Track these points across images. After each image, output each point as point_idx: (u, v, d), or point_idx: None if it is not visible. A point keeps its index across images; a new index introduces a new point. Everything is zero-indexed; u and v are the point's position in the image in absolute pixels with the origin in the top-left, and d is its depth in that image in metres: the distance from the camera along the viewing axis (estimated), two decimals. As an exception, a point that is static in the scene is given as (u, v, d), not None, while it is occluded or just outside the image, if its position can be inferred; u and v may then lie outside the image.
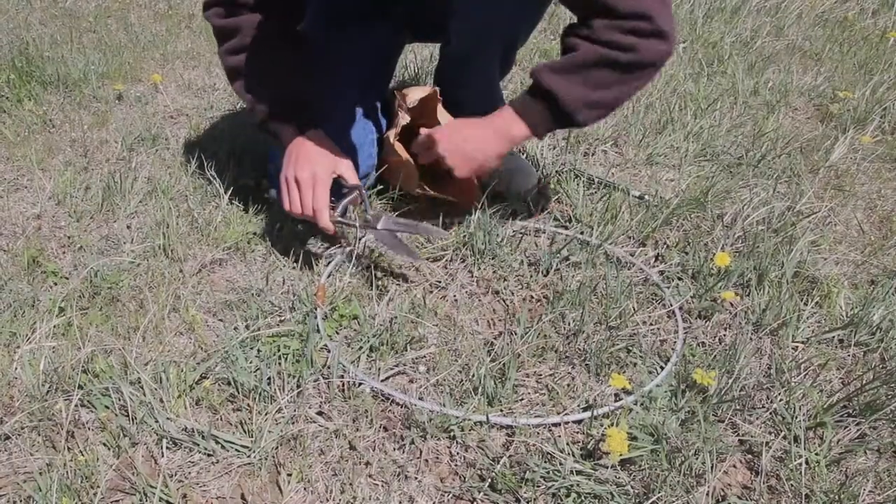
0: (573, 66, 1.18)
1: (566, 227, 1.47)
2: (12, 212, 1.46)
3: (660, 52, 1.16)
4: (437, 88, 1.43)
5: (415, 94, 1.42)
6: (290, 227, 1.41)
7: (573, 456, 0.96)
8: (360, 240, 1.33)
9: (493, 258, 1.36)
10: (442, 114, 1.42)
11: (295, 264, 1.30)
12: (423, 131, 1.36)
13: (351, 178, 1.29)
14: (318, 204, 1.24)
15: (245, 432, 0.98)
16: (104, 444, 0.97)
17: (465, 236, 1.39)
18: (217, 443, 0.96)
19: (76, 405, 1.00)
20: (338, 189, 1.29)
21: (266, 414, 0.99)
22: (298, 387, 1.05)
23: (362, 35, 1.50)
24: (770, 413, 1.05)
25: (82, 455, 0.93)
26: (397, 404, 1.05)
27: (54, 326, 1.13)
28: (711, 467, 0.94)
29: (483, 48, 1.44)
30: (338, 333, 1.17)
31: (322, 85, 1.42)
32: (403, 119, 1.41)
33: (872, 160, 1.86)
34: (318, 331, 1.14)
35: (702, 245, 1.42)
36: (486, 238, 1.36)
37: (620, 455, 0.90)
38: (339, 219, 1.28)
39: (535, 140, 1.77)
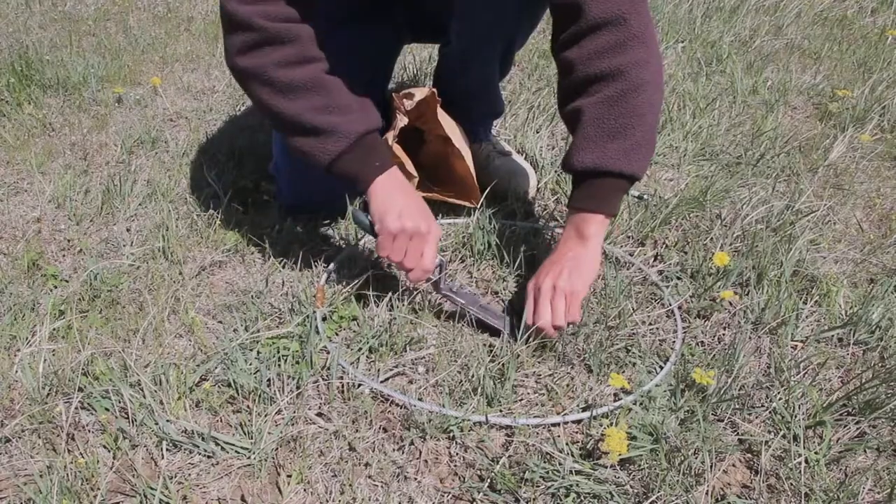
0: (593, 132, 1.14)
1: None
2: (12, 215, 1.46)
3: (641, 59, 1.12)
4: (435, 90, 1.43)
5: (412, 97, 1.42)
6: (289, 230, 1.41)
7: (572, 456, 0.96)
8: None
9: (492, 259, 1.36)
10: (441, 116, 1.42)
11: (294, 266, 1.30)
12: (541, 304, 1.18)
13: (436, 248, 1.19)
14: (427, 265, 1.15)
15: (245, 434, 0.99)
16: (104, 447, 0.97)
17: (463, 237, 1.39)
18: (217, 444, 0.96)
19: (76, 408, 1.00)
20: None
21: (266, 415, 0.99)
22: (298, 388, 1.05)
23: (362, 35, 1.50)
24: (769, 412, 1.05)
25: (82, 457, 0.93)
26: (397, 405, 1.05)
27: (54, 329, 1.13)
28: (711, 466, 0.94)
29: (482, 48, 1.44)
30: (337, 335, 1.17)
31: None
32: (402, 121, 1.41)
33: (871, 158, 1.86)
34: (318, 332, 1.14)
35: (701, 244, 1.42)
36: (486, 239, 1.37)
37: (620, 455, 0.90)
38: (446, 292, 1.21)
39: (534, 140, 1.77)
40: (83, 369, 1.06)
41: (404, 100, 1.41)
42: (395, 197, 1.17)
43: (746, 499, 0.93)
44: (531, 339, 1.14)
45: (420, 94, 1.42)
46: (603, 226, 1.18)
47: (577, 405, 1.05)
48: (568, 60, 1.15)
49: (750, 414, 1.05)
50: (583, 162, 1.15)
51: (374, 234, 1.18)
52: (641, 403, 1.05)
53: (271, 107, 1.14)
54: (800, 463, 0.96)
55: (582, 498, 0.91)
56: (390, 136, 1.42)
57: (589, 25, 1.10)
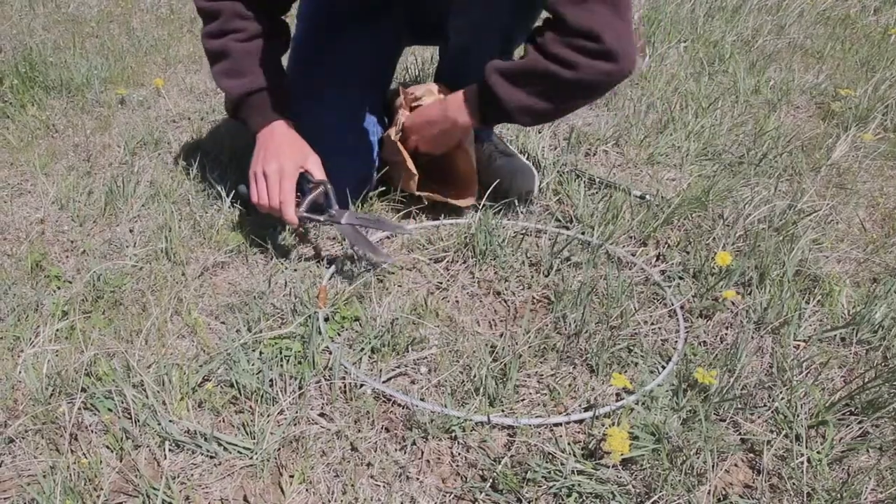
0: (519, 72, 1.25)
1: (567, 228, 1.47)
2: (16, 216, 1.46)
3: (603, 72, 1.19)
4: (439, 85, 1.43)
5: (417, 93, 1.42)
6: (291, 230, 1.41)
7: (574, 456, 0.96)
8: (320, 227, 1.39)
9: (494, 259, 1.36)
10: None
11: (296, 267, 1.31)
12: (405, 118, 1.45)
13: (317, 173, 1.32)
14: (284, 197, 1.27)
15: (247, 434, 0.99)
16: (107, 447, 0.97)
17: (466, 237, 1.39)
18: (219, 445, 0.96)
19: (79, 408, 1.00)
20: (305, 184, 1.32)
21: (268, 416, 1.00)
22: (300, 388, 1.05)
23: (363, 36, 1.50)
24: (772, 412, 1.05)
25: (85, 458, 0.93)
26: (399, 405, 1.05)
27: (57, 330, 1.13)
28: (713, 466, 0.94)
29: (481, 43, 1.44)
30: (339, 335, 1.17)
31: (302, 84, 1.45)
32: (404, 117, 1.41)
33: (874, 158, 1.86)
34: (320, 332, 1.14)
35: (703, 244, 1.42)
36: (488, 239, 1.37)
37: (622, 455, 0.90)
38: (304, 214, 1.30)
39: (536, 140, 1.78)
40: (86, 370, 1.06)
41: (408, 97, 1.41)
42: (263, 146, 1.33)
43: (749, 499, 0.93)
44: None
45: (424, 89, 1.42)
46: (465, 122, 1.35)
47: (580, 405, 1.05)
48: (536, 43, 1.23)
49: (752, 413, 1.05)
50: (494, 83, 1.27)
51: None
52: (643, 403, 1.05)
53: (210, 68, 1.39)
54: (802, 463, 0.96)
55: (584, 498, 0.91)
56: (393, 132, 1.42)
57: (566, 32, 1.18)
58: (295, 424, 1.00)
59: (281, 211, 1.28)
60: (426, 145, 1.45)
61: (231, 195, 1.47)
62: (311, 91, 1.44)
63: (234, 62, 1.34)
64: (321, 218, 1.31)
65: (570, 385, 1.09)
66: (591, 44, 1.16)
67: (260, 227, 1.42)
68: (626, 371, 1.12)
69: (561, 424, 1.02)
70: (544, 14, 1.28)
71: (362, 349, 1.13)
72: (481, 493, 0.92)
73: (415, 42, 1.74)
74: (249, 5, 1.31)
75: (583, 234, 1.43)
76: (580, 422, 1.03)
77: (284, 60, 1.45)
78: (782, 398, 1.06)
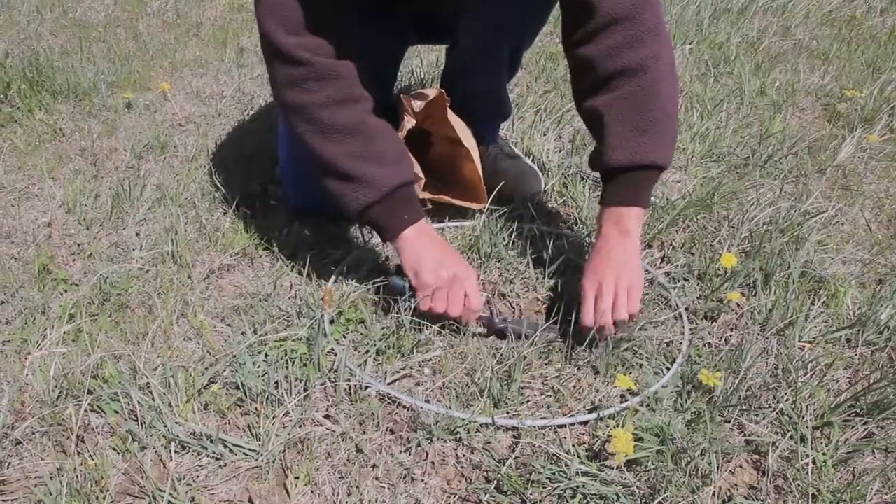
0: (619, 128, 1.14)
1: (572, 230, 1.47)
2: (23, 220, 1.47)
3: (657, 52, 1.13)
4: (444, 91, 1.44)
5: (422, 98, 1.42)
6: (296, 233, 1.42)
7: (579, 457, 0.96)
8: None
9: (499, 261, 1.36)
10: (450, 116, 1.42)
11: (302, 269, 1.31)
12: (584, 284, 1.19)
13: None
14: (474, 304, 1.15)
15: (253, 436, 0.99)
16: (114, 449, 0.98)
17: (470, 239, 1.39)
18: (225, 446, 0.97)
19: (86, 410, 1.01)
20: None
21: (273, 418, 1.00)
22: (305, 390, 1.05)
23: (368, 38, 1.50)
24: (776, 413, 1.05)
25: (92, 459, 0.94)
26: (404, 407, 1.05)
27: (64, 333, 1.14)
28: (717, 468, 0.94)
29: (492, 46, 1.44)
30: (344, 337, 1.18)
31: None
32: (409, 122, 1.42)
33: (880, 159, 1.85)
34: (325, 335, 1.14)
35: (708, 246, 1.42)
36: (492, 241, 1.37)
37: (626, 456, 0.90)
38: (487, 319, 1.19)
39: (541, 143, 1.78)
40: (93, 372, 1.07)
41: (413, 101, 1.41)
42: (427, 249, 1.17)
43: (753, 500, 0.93)
44: (597, 343, 1.14)
45: (429, 95, 1.42)
46: (640, 219, 1.19)
47: (584, 407, 1.05)
48: (585, 57, 1.15)
49: (757, 415, 1.05)
50: (618, 160, 1.15)
51: (412, 294, 1.18)
52: (648, 405, 1.05)
53: (311, 145, 1.15)
54: (807, 464, 0.96)
55: (588, 499, 0.91)
56: (399, 136, 1.42)
57: (604, 22, 1.11)
58: (300, 426, 1.01)
59: (470, 319, 1.17)
60: (633, 281, 1.15)
61: (237, 199, 1.48)
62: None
63: (372, 143, 1.14)
64: (519, 328, 1.17)
65: (574, 387, 1.10)
66: (630, 28, 1.10)
67: (265, 229, 1.43)
68: (630, 373, 1.12)
69: (565, 426, 1.02)
70: (548, 28, 1.25)
71: (367, 351, 1.13)
72: (486, 494, 0.92)
73: (421, 42, 1.74)
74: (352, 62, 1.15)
75: (588, 236, 1.43)
76: (585, 423, 1.03)
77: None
78: (787, 400, 1.06)
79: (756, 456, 1.00)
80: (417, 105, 1.41)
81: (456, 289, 1.14)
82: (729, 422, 1.04)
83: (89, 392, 1.03)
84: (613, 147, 1.15)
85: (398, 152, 1.20)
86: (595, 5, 1.10)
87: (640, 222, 1.19)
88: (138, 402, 1.00)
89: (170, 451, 0.96)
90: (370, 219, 1.18)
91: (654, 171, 1.17)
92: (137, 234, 1.43)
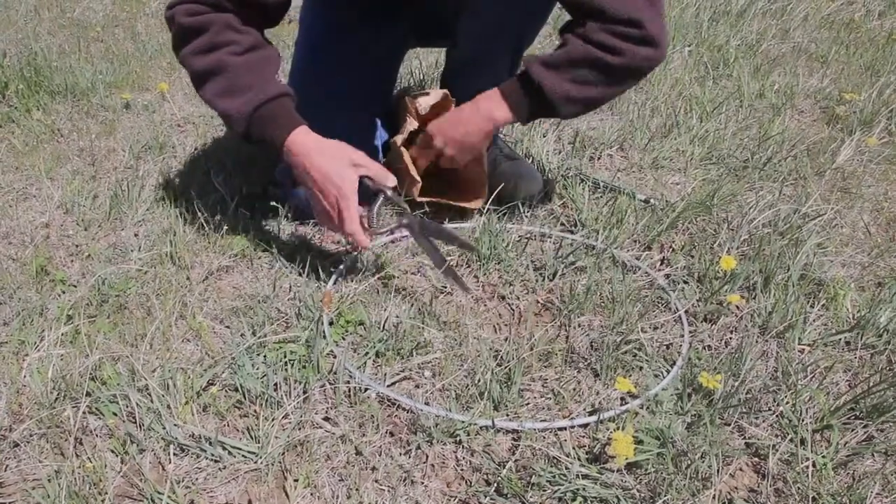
0: (563, 62, 1.23)
1: (572, 232, 1.47)
2: (21, 221, 1.47)
3: (647, 57, 1.22)
4: (447, 92, 1.43)
5: (427, 100, 1.42)
6: (296, 234, 1.42)
7: (579, 460, 0.96)
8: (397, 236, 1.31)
9: (498, 263, 1.36)
10: None
11: (301, 271, 1.31)
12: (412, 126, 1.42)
13: (371, 167, 1.23)
14: (351, 227, 1.20)
15: (252, 438, 0.99)
16: (112, 451, 0.97)
17: (470, 241, 1.39)
18: (224, 449, 0.96)
19: (84, 412, 1.00)
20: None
21: (273, 420, 1.00)
22: (305, 392, 1.05)
23: (367, 41, 1.50)
24: (776, 416, 1.04)
25: (90, 462, 0.94)
26: (403, 409, 1.05)
27: (62, 334, 1.14)
28: (718, 470, 0.94)
29: (492, 49, 1.44)
30: (344, 339, 1.17)
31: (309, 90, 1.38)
32: (412, 124, 1.41)
33: (879, 162, 1.86)
34: (325, 337, 1.14)
35: (707, 248, 1.42)
36: (492, 243, 1.37)
37: (626, 459, 0.89)
38: (378, 233, 1.25)
39: (541, 145, 1.78)
40: (91, 374, 1.06)
41: (418, 103, 1.41)
42: (299, 162, 1.23)
43: (753, 503, 0.93)
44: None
45: (434, 98, 1.42)
46: (502, 116, 1.31)
47: (584, 409, 1.05)
48: (576, 33, 1.23)
49: (757, 418, 1.05)
50: (538, 74, 1.24)
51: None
52: (648, 407, 1.05)
53: (198, 92, 1.27)
54: (807, 467, 0.95)
55: (589, 502, 0.91)
56: (399, 139, 1.42)
57: (608, 20, 1.18)
58: (299, 429, 1.00)
59: (355, 242, 1.21)
60: (454, 149, 1.37)
61: (236, 200, 1.47)
62: (314, 94, 1.43)
63: (235, 77, 1.22)
64: (396, 234, 1.22)
65: (574, 389, 1.09)
66: (633, 30, 1.18)
67: (264, 231, 1.42)
68: (630, 375, 1.12)
69: (565, 429, 1.02)
70: (555, 16, 1.28)
71: (367, 353, 1.13)
72: (486, 497, 0.92)
73: (421, 44, 1.74)
74: (241, 17, 1.23)
75: (587, 238, 1.43)
76: (585, 426, 1.03)
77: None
78: (787, 402, 1.06)
79: (756, 459, 1.00)
80: (423, 107, 1.41)
81: (333, 208, 1.21)
82: (729, 424, 1.03)
83: (87, 394, 1.03)
84: (541, 58, 1.25)
85: (259, 76, 1.24)
86: (600, 7, 1.17)
87: (494, 108, 1.31)
88: (137, 404, 1.00)
89: (168, 454, 0.96)
90: (257, 143, 1.26)
91: (537, 96, 1.26)
92: (136, 235, 1.43)
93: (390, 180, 1.24)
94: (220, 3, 1.21)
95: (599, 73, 1.23)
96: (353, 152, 1.23)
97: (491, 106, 1.31)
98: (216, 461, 0.96)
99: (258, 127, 1.23)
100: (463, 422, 1.00)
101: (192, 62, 1.23)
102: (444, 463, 0.98)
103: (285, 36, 2.48)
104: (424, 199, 1.45)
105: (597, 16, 1.18)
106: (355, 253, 1.33)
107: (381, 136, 1.54)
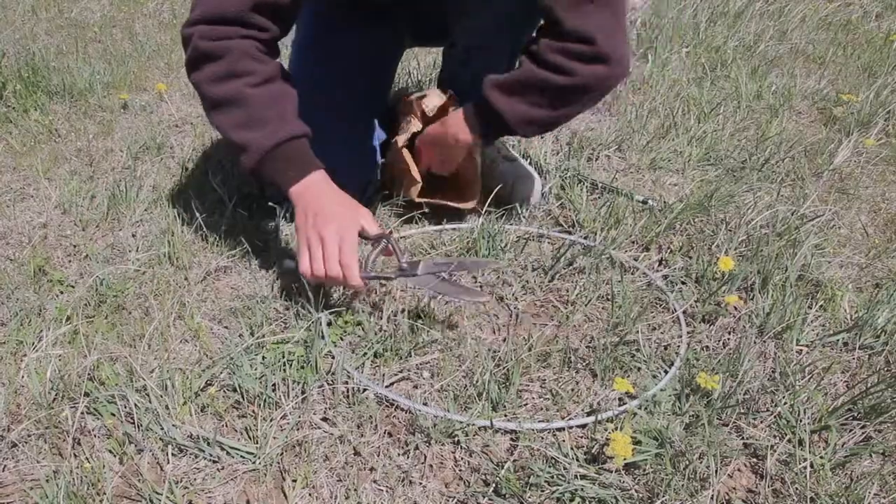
0: (516, 83, 1.26)
1: (570, 233, 1.47)
2: (19, 221, 1.47)
3: (599, 76, 1.22)
4: (452, 92, 1.43)
5: (432, 102, 1.42)
6: (294, 235, 1.41)
7: (577, 460, 0.96)
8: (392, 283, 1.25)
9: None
10: None
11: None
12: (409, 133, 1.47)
13: (373, 228, 1.19)
14: (346, 261, 1.13)
15: (250, 438, 0.99)
16: (110, 451, 0.97)
17: (468, 242, 1.39)
18: (222, 449, 0.96)
19: (82, 412, 1.00)
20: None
21: (271, 420, 1.00)
22: (303, 393, 1.05)
23: (363, 42, 1.50)
24: (774, 416, 1.05)
25: (88, 462, 0.93)
26: (402, 410, 1.05)
27: (60, 334, 1.13)
28: (716, 471, 0.94)
29: (490, 49, 1.44)
30: (342, 340, 1.17)
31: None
32: (415, 126, 1.41)
33: (876, 163, 1.86)
34: (323, 337, 1.14)
35: (705, 249, 1.42)
36: (490, 244, 1.37)
37: (625, 459, 0.89)
38: (372, 275, 1.17)
39: (539, 146, 1.78)
40: (89, 374, 1.06)
41: (423, 105, 1.41)
42: (304, 204, 1.19)
43: (752, 503, 0.93)
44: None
45: (438, 99, 1.42)
46: (466, 140, 1.35)
47: (582, 410, 1.05)
48: (530, 51, 1.25)
49: (755, 418, 1.05)
50: (494, 101, 1.28)
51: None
52: (646, 408, 1.05)
53: (210, 119, 1.24)
54: (805, 468, 0.95)
55: (587, 502, 0.91)
56: (401, 139, 1.42)
57: (560, 37, 1.19)
58: (298, 429, 1.00)
59: (345, 277, 1.13)
60: (437, 165, 1.47)
61: (234, 200, 1.47)
62: (312, 95, 1.42)
63: (253, 111, 1.18)
64: (391, 276, 1.17)
65: (572, 390, 1.09)
66: (584, 47, 1.18)
67: (262, 231, 1.42)
68: (628, 376, 1.12)
69: (564, 429, 1.02)
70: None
71: (365, 354, 1.13)
72: (484, 497, 0.92)
73: (417, 44, 1.74)
74: (258, 41, 1.19)
75: (585, 239, 1.43)
76: (583, 426, 1.03)
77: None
78: (785, 403, 1.06)
79: (754, 459, 1.00)
80: (430, 108, 1.40)
81: (329, 246, 1.14)
82: (727, 425, 1.04)
83: (86, 394, 1.03)
84: (496, 82, 1.28)
85: (280, 113, 1.21)
86: (557, 19, 1.19)
87: (459, 132, 1.35)
88: (135, 405, 1.00)
89: (167, 454, 0.96)
90: (262, 180, 1.25)
91: (497, 122, 1.30)
92: (134, 236, 1.43)
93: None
94: (242, 16, 1.17)
95: (551, 96, 1.25)
96: (359, 206, 1.22)
97: (455, 127, 1.36)
98: (214, 461, 0.96)
99: (272, 162, 1.19)
100: (461, 422, 1.00)
101: (209, 89, 1.19)
102: (442, 463, 0.98)
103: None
104: (423, 200, 1.46)
105: (553, 26, 1.20)
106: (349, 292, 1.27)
107: (378, 136, 1.54)
